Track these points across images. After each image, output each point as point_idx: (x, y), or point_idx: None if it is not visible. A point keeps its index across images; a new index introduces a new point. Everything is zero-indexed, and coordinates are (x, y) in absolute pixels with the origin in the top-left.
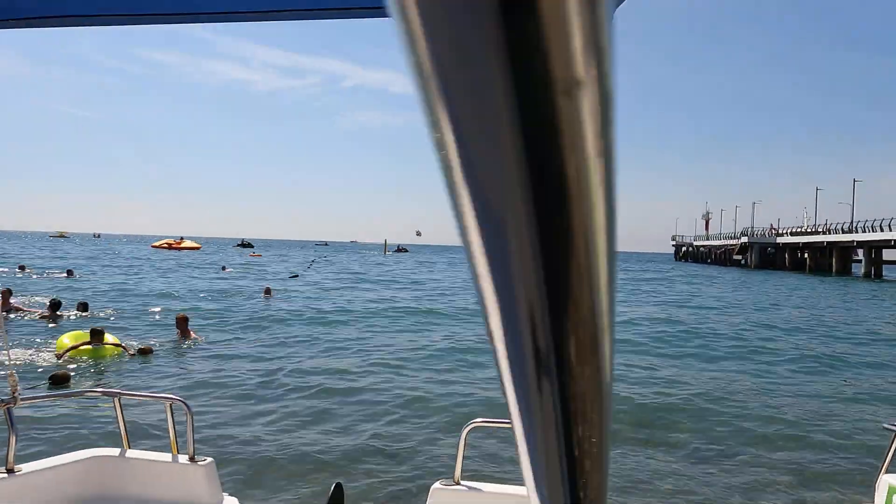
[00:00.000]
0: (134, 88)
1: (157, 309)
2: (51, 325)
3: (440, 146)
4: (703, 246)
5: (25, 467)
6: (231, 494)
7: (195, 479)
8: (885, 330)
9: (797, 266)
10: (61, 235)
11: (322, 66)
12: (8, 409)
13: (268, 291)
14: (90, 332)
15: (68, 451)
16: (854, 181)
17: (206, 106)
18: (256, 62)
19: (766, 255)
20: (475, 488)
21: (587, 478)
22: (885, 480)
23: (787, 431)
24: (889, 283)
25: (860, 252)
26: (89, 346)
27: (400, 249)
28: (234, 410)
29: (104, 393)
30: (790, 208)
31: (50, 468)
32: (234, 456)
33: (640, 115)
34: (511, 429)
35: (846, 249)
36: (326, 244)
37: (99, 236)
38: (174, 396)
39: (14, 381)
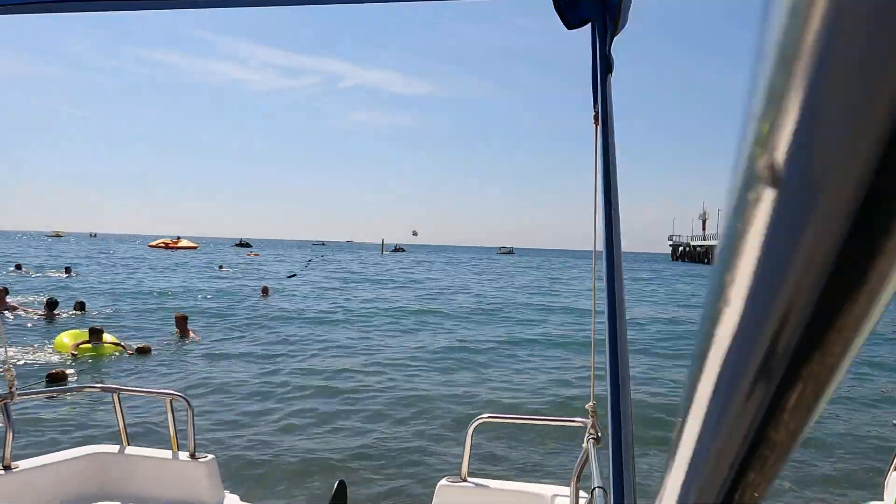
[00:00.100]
0: (132, 88)
1: (155, 308)
2: (48, 324)
3: (764, 139)
4: (700, 246)
5: (23, 464)
6: (232, 492)
7: (196, 476)
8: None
9: None
10: (57, 235)
11: (320, 65)
12: (5, 404)
13: (265, 291)
14: (89, 330)
15: (66, 449)
16: None
17: (204, 106)
18: (255, 62)
19: None
20: (482, 485)
21: (756, 486)
22: (895, 478)
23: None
24: None
25: None
26: (88, 345)
27: (397, 249)
28: (234, 409)
29: (103, 389)
30: None
31: (48, 465)
32: (235, 454)
33: (637, 115)
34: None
35: None
36: (324, 244)
37: (95, 236)
38: (174, 392)
39: (11, 375)
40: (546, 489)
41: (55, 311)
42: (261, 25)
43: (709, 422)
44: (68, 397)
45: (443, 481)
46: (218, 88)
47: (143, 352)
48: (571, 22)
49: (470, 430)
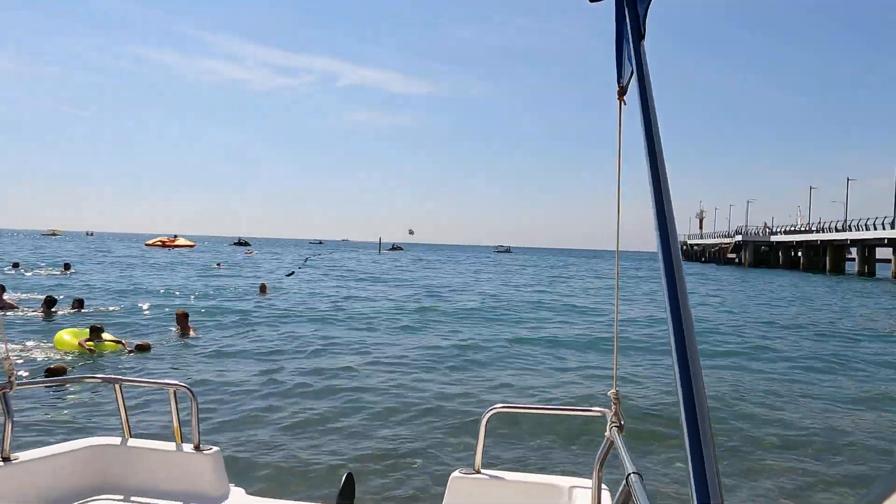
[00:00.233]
0: (129, 87)
1: (153, 306)
2: (46, 323)
3: None
4: (697, 244)
5: (22, 456)
6: (237, 485)
7: (201, 469)
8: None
9: (791, 264)
10: (53, 233)
11: (318, 64)
12: (4, 394)
13: (263, 288)
14: (90, 328)
15: (67, 441)
16: (848, 180)
17: (201, 104)
18: (252, 61)
19: (760, 253)
20: (497, 477)
21: None
22: None
23: (794, 433)
24: (891, 282)
25: (853, 250)
26: (91, 343)
27: (395, 247)
28: (236, 405)
29: (104, 379)
30: (784, 207)
31: (48, 457)
32: (239, 449)
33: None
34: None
35: (840, 248)
36: (321, 242)
37: (92, 234)
38: (178, 383)
39: (10, 365)
40: (563, 480)
41: (53, 309)
42: (260, 25)
43: None
44: (69, 388)
45: (456, 473)
46: (215, 87)
47: (142, 349)
48: None
49: (483, 421)
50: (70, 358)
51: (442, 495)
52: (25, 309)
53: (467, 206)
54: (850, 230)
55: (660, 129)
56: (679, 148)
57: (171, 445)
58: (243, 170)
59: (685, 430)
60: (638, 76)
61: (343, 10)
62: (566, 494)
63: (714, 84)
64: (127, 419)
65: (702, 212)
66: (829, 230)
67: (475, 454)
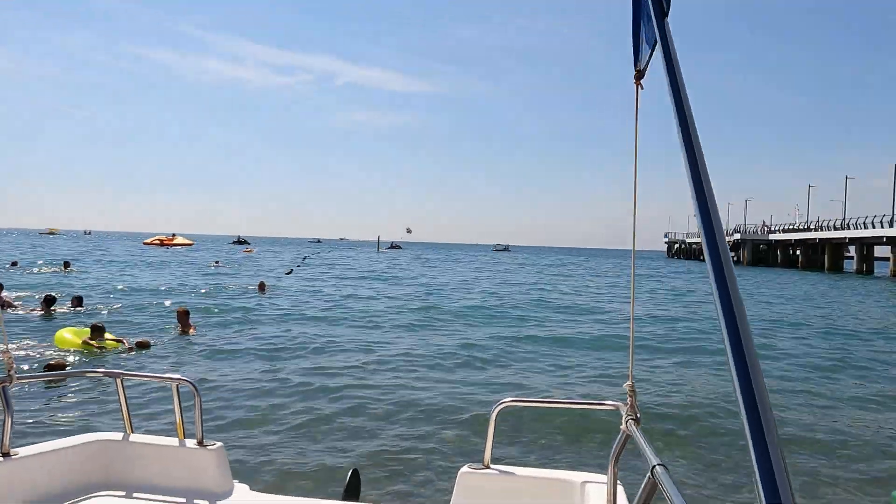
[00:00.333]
0: (126, 85)
1: (152, 304)
2: (45, 321)
3: None
4: (695, 243)
5: (22, 451)
6: (241, 482)
7: (204, 465)
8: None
9: (789, 263)
10: (51, 232)
11: (315, 63)
12: (3, 388)
13: (262, 286)
14: (91, 327)
15: (68, 436)
16: (846, 178)
17: (200, 104)
18: (250, 60)
19: (758, 251)
20: (507, 472)
21: None
22: None
23: (795, 432)
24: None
25: (852, 249)
26: (94, 341)
27: (394, 246)
28: (238, 402)
29: (105, 373)
30: (783, 206)
31: (48, 452)
32: (242, 447)
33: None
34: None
35: (838, 246)
36: (320, 241)
37: (89, 233)
38: (181, 377)
39: (9, 358)
40: (575, 476)
41: (52, 308)
42: (259, 25)
43: None
44: (70, 384)
45: (465, 468)
46: (214, 87)
47: (142, 346)
48: None
49: (493, 415)
50: (71, 357)
51: (446, 490)
52: (25, 307)
53: (465, 205)
54: (849, 228)
55: (692, 111)
56: (676, 146)
57: (173, 441)
58: (242, 168)
59: (747, 426)
60: (665, 56)
61: (343, 10)
62: (578, 490)
63: (714, 83)
64: (128, 414)
65: None
66: (828, 228)
67: (484, 448)
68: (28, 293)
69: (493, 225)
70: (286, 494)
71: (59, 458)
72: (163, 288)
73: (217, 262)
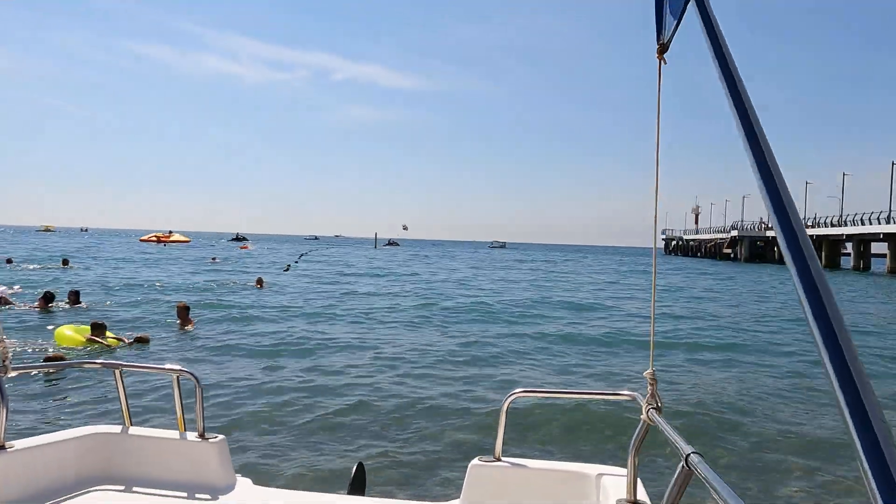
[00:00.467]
0: (126, 83)
1: (150, 300)
2: (43, 318)
3: None
4: (692, 240)
5: (18, 444)
6: (244, 475)
7: (205, 458)
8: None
9: None
10: (47, 230)
11: (312, 59)
12: None
13: (260, 282)
14: (91, 325)
15: (65, 429)
16: (843, 175)
17: (198, 101)
18: (246, 56)
19: (755, 248)
20: (518, 464)
21: None
22: None
23: (796, 432)
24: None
25: (849, 245)
26: (97, 340)
27: (391, 243)
28: (239, 398)
29: (104, 365)
30: None
31: (45, 445)
32: (243, 442)
33: (630, 110)
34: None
35: (835, 243)
36: (317, 238)
37: (86, 230)
38: (181, 368)
39: (3, 347)
40: (590, 468)
41: (50, 304)
42: (258, 23)
43: None
44: (68, 376)
45: (475, 461)
46: (213, 85)
47: (141, 341)
48: None
49: (504, 406)
50: (71, 354)
51: (454, 482)
52: (22, 304)
53: (462, 203)
54: (846, 225)
55: (746, 88)
56: (675, 143)
57: (174, 433)
58: (240, 166)
59: (850, 421)
60: (706, 28)
61: (343, 10)
62: (594, 482)
63: (711, 80)
64: (128, 406)
65: (697, 207)
66: (825, 225)
67: (495, 441)
68: (20, 288)
69: (490, 222)
70: (290, 488)
71: (57, 451)
72: (161, 284)
73: (215, 259)
